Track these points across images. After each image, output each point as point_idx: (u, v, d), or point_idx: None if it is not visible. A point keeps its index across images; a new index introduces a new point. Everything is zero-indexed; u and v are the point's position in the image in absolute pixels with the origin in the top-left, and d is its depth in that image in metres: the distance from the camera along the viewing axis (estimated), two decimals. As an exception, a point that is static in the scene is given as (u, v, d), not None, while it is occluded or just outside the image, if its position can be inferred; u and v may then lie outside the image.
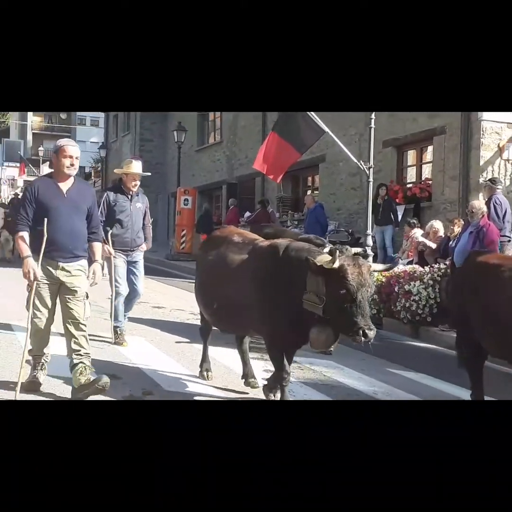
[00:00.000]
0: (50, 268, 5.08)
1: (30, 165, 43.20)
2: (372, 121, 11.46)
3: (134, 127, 28.39)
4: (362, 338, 4.25)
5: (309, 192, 18.41)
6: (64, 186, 5.14)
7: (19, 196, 32.52)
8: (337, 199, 16.33)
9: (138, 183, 7.38)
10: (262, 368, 6.32)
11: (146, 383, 5.77)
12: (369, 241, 12.04)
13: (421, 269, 9.35)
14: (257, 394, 5.52)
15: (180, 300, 11.06)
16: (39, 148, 46.64)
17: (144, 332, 8.00)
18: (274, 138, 11.46)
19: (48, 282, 5.11)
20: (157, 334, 7.91)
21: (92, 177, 38.80)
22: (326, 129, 11.13)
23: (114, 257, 7.21)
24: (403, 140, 14.40)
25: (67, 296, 5.13)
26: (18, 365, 5.01)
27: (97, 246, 5.37)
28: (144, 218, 7.53)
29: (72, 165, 5.09)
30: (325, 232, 14.24)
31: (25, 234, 5.05)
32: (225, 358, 6.76)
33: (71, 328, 5.10)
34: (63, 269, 5.10)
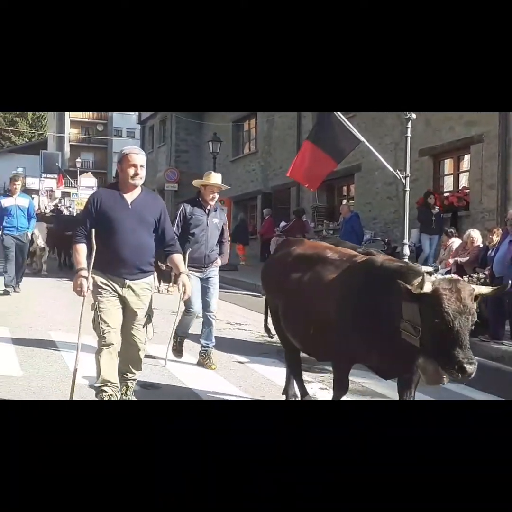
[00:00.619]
0: (117, 286, 4.77)
1: (68, 176, 43.75)
2: (409, 130, 11.38)
3: (170, 138, 28.62)
4: (459, 374, 3.62)
5: (344, 201, 18.35)
6: (129, 196, 4.79)
7: (59, 207, 33.07)
8: (372, 208, 16.25)
9: (216, 196, 7.00)
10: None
11: (184, 394, 5.79)
12: (406, 250, 11.93)
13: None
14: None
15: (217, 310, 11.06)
16: (77, 160, 47.22)
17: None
18: (309, 147, 11.44)
19: (114, 298, 4.79)
20: (194, 345, 7.93)
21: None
22: (362, 138, 11.09)
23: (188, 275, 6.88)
24: (440, 148, 14.28)
25: (130, 317, 4.83)
26: (61, 378, 5.03)
27: (178, 258, 5.02)
28: (221, 235, 7.15)
29: (137, 174, 4.73)
30: (361, 241, 14.16)
31: (82, 246, 4.69)
32: (262, 368, 6.76)
33: (128, 350, 4.89)
34: (129, 287, 4.78)
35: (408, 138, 11.59)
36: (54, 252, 17.89)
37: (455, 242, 11.53)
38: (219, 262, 7.14)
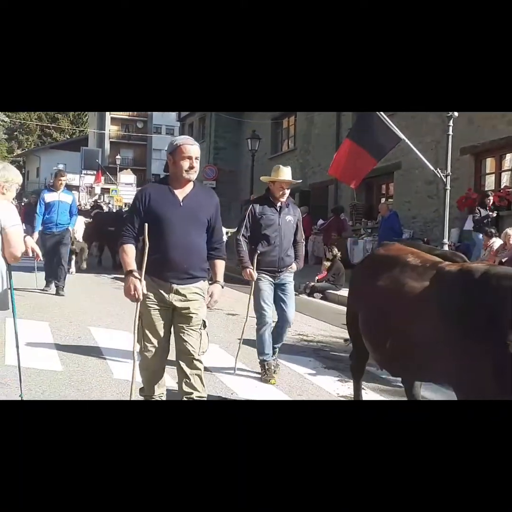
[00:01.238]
0: (162, 291, 4.33)
1: (107, 173, 44.23)
2: (450, 128, 11.25)
3: (209, 136, 28.75)
4: None
5: (383, 200, 18.22)
6: (181, 193, 4.34)
7: (99, 203, 33.41)
8: (412, 207, 16.10)
9: (287, 192, 6.38)
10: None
11: (221, 390, 5.82)
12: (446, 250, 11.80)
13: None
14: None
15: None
16: (116, 157, 47.75)
17: (217, 339, 8.05)
18: (349, 145, 11.41)
19: (159, 307, 4.35)
20: (230, 342, 7.95)
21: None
22: (402, 136, 10.99)
23: (259, 279, 6.27)
24: (481, 147, 14.09)
25: (181, 324, 4.36)
26: (100, 373, 5.05)
27: (220, 265, 4.53)
28: (295, 233, 6.48)
29: (191, 168, 4.27)
30: (400, 241, 14.04)
31: (130, 247, 4.31)
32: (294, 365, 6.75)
33: (184, 365, 4.34)
34: (177, 292, 4.32)
35: (450, 137, 11.46)
36: (97, 248, 18.01)
37: (496, 242, 11.36)
38: (294, 267, 6.46)
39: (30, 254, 4.85)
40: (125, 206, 33.97)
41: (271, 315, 6.30)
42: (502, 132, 13.36)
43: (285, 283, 6.39)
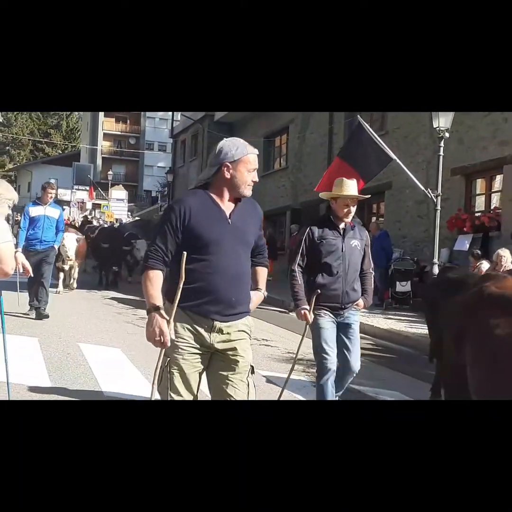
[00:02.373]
0: (201, 330, 3.38)
1: (99, 188, 44.27)
2: (441, 149, 11.35)
3: (201, 153, 28.83)
4: None
5: (374, 219, 18.29)
6: (227, 207, 3.47)
7: (89, 219, 33.31)
8: (402, 226, 16.18)
9: (353, 210, 5.26)
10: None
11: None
12: (436, 270, 11.86)
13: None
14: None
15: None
16: (108, 172, 47.85)
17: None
18: (339, 164, 11.49)
19: (196, 351, 3.40)
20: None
21: (159, 202, 39.48)
22: (393, 156, 11.08)
23: (318, 315, 5.16)
24: (472, 168, 14.19)
25: (223, 372, 3.44)
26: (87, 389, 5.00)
27: (263, 272, 3.80)
28: (363, 261, 5.36)
29: (253, 183, 3.51)
30: (390, 260, 14.11)
31: (157, 275, 3.35)
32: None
33: None
34: (220, 331, 3.40)
35: (441, 157, 11.55)
36: (91, 264, 17.92)
37: (484, 264, 11.42)
38: (361, 304, 5.34)
39: (21, 270, 4.84)
40: (116, 221, 33.95)
41: (334, 359, 5.18)
42: (492, 153, 13.47)
43: (350, 324, 5.29)
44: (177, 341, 3.34)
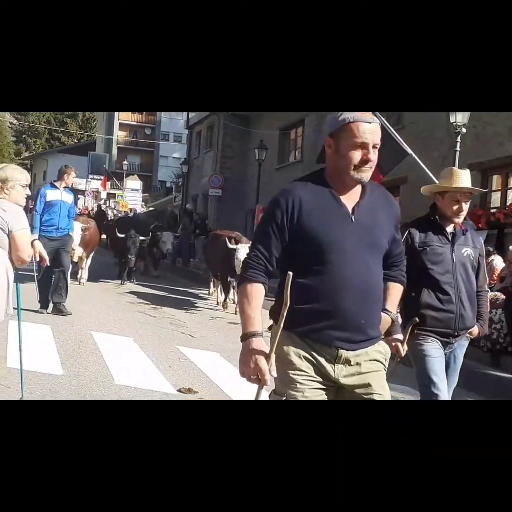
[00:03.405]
0: (323, 360, 2.65)
1: (114, 178, 44.36)
2: (458, 144, 11.28)
3: (217, 144, 28.81)
4: None
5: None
6: (349, 199, 2.70)
7: (103, 207, 33.40)
8: (417, 221, 16.09)
9: (465, 209, 4.20)
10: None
11: (221, 398, 5.82)
12: (450, 265, 11.79)
13: (503, 296, 9.09)
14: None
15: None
16: (123, 162, 47.83)
17: (219, 347, 8.05)
18: None
19: (318, 386, 2.70)
20: (232, 350, 7.95)
21: (173, 192, 39.54)
22: (410, 150, 11.02)
23: (424, 341, 4.04)
24: (488, 164, 14.09)
25: None
26: (100, 378, 5.04)
27: (396, 291, 2.95)
28: (477, 276, 4.23)
29: (366, 162, 2.66)
30: (404, 254, 14.03)
31: (258, 289, 2.66)
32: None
33: None
34: (346, 361, 2.65)
35: (457, 152, 11.49)
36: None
37: (496, 259, 11.36)
38: (475, 331, 4.21)
39: (38, 258, 4.87)
40: (130, 211, 34.04)
41: (445, 390, 4.03)
42: (509, 149, 13.37)
43: (457, 356, 4.22)
44: (293, 374, 2.64)
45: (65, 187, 9.34)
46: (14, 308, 4.74)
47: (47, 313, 8.95)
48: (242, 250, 10.43)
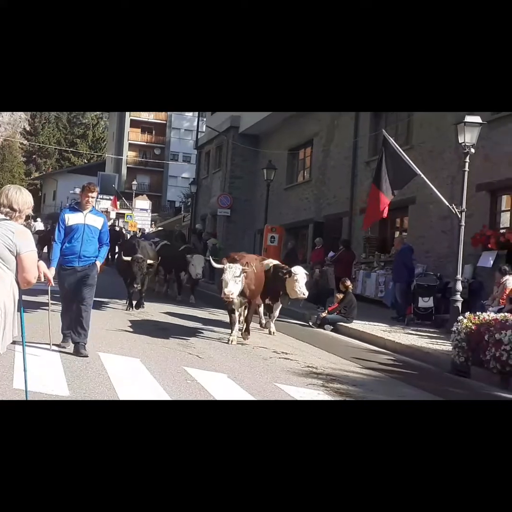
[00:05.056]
0: None
1: (123, 198, 44.52)
2: (466, 164, 11.26)
3: (225, 164, 28.92)
4: None
5: (397, 233, 18.18)
6: None
7: (117, 228, 33.39)
8: (426, 241, 16.05)
9: None
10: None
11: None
12: (459, 286, 11.75)
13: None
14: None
15: (263, 338, 11.04)
16: (133, 182, 48.02)
17: (226, 368, 8.00)
18: (373, 190, 11.93)
19: None
20: (239, 372, 7.90)
21: (182, 212, 39.60)
22: (418, 171, 11.03)
23: None
24: (498, 184, 14.05)
25: None
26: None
27: None
28: None
29: None
30: (412, 275, 13.98)
31: None
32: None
33: None
34: None
35: (466, 173, 11.46)
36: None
37: (509, 280, 11.29)
38: None
39: (43, 279, 4.85)
40: (139, 231, 34.11)
41: None
42: (518, 169, 13.34)
43: None
44: None
45: (88, 209, 8.05)
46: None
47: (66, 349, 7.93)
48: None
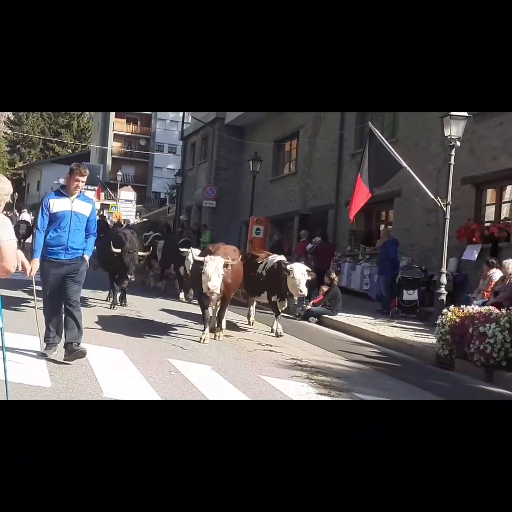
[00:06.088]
0: None
1: (107, 189, 44.31)
2: (452, 157, 11.27)
3: (211, 156, 28.82)
4: None
5: (382, 226, 18.21)
6: None
7: (107, 219, 33.23)
8: (411, 234, 16.08)
9: None
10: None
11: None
12: (443, 279, 11.78)
13: (497, 311, 9.03)
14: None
15: (249, 331, 11.00)
16: (118, 173, 47.86)
17: (210, 360, 7.96)
18: (358, 182, 11.88)
19: None
20: (223, 364, 7.86)
21: (167, 203, 39.48)
22: (404, 164, 11.03)
23: None
24: (483, 178, 14.08)
25: None
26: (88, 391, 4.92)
27: None
28: None
29: None
30: (397, 268, 14.01)
31: None
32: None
33: None
34: None
35: (451, 166, 11.48)
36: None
37: (496, 273, 11.31)
38: None
39: (20, 269, 4.76)
40: (123, 222, 33.96)
41: None
42: (503, 163, 13.36)
43: None
44: None
45: (75, 195, 7.12)
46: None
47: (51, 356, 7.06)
48: (210, 263, 8.99)
